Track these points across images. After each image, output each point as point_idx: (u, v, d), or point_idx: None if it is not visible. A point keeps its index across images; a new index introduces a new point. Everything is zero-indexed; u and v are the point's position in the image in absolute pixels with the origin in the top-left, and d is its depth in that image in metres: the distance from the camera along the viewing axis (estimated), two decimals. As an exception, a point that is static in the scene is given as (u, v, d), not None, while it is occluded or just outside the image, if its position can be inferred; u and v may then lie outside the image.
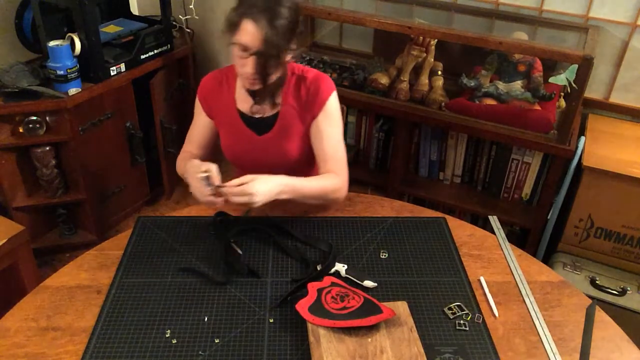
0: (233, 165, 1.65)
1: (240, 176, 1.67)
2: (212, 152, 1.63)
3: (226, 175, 1.56)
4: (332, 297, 1.17)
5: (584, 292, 1.53)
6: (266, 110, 1.50)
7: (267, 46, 1.28)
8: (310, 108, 1.47)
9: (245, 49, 1.30)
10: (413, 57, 2.19)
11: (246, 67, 1.32)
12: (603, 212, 1.95)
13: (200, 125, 1.58)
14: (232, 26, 1.30)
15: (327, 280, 1.24)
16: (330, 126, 1.47)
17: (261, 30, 1.26)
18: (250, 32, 1.27)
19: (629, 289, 1.89)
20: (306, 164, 1.57)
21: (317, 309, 1.14)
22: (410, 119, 2.15)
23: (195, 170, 1.30)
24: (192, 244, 1.38)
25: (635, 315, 1.83)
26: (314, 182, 1.41)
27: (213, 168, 1.29)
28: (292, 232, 1.41)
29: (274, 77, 1.37)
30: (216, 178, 1.28)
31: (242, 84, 1.44)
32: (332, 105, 1.47)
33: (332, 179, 1.44)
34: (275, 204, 1.55)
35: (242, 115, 1.51)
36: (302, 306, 1.15)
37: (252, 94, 1.46)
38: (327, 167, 1.46)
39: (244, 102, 1.51)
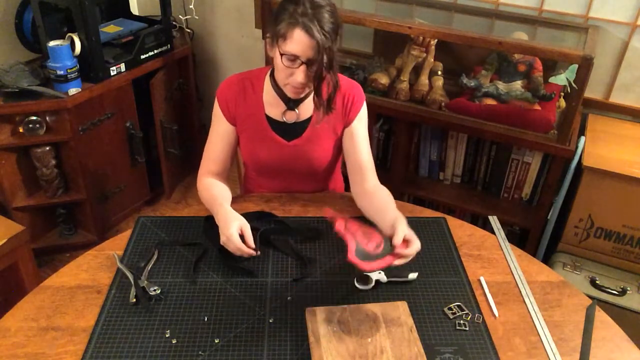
0: (249, 169, 1.62)
1: (255, 179, 1.64)
2: (232, 164, 1.59)
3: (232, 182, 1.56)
4: (363, 235, 1.17)
5: (584, 292, 1.53)
6: (300, 116, 1.48)
7: (320, 53, 1.26)
8: (345, 116, 1.48)
9: (295, 58, 1.28)
10: (413, 57, 2.19)
11: (296, 76, 1.30)
12: (603, 212, 1.94)
13: (223, 134, 1.50)
14: (281, 37, 1.27)
15: (340, 219, 1.20)
16: (363, 131, 1.50)
17: (313, 38, 1.23)
18: (302, 42, 1.24)
19: (629, 289, 1.89)
20: (328, 169, 1.58)
21: (362, 253, 1.14)
22: (410, 119, 2.15)
23: (234, 224, 1.28)
24: (192, 244, 1.38)
25: (635, 315, 1.83)
26: (393, 203, 1.41)
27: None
28: (288, 223, 1.42)
29: (326, 84, 1.35)
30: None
31: (287, 93, 1.39)
32: (365, 112, 1.52)
33: (387, 191, 1.45)
34: (272, 206, 1.54)
35: (270, 120, 1.48)
36: (353, 256, 1.12)
37: (286, 100, 1.44)
38: (367, 173, 1.47)
39: (273, 108, 1.47)
